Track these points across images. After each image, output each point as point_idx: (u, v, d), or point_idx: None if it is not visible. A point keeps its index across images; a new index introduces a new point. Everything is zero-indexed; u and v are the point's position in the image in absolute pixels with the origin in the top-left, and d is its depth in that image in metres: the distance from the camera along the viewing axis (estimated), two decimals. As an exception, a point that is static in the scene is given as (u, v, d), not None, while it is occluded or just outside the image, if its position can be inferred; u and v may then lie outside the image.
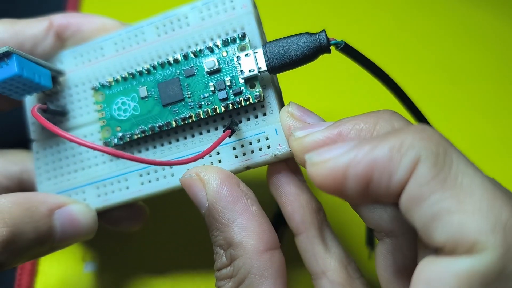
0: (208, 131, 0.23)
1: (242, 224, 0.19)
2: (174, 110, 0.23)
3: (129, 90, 0.23)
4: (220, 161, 0.22)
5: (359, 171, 0.15)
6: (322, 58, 0.21)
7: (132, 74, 0.23)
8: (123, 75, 0.24)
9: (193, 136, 0.23)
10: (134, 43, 0.24)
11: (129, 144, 0.23)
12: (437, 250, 0.15)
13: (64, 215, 0.23)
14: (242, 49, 0.22)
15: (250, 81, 0.22)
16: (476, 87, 0.34)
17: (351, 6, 0.36)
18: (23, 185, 0.26)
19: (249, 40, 0.22)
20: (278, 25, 0.29)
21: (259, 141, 0.22)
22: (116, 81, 0.24)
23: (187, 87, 0.22)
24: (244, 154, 0.22)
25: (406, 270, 0.19)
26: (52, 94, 0.25)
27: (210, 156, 0.22)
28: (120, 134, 0.23)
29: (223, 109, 0.22)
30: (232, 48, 0.22)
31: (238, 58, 0.22)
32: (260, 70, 0.21)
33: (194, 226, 0.28)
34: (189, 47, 0.23)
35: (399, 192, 0.15)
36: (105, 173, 0.24)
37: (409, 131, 0.16)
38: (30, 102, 0.25)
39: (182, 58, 0.23)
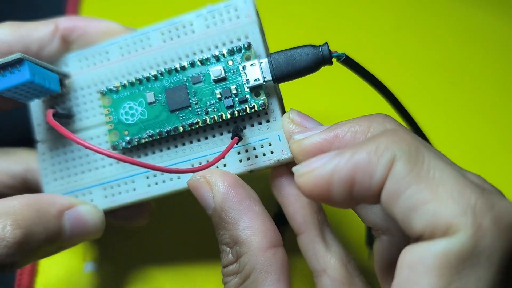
0: (214, 136, 0.24)
1: (247, 223, 0.20)
2: (181, 116, 0.23)
3: (136, 95, 0.24)
4: (225, 165, 0.23)
5: (342, 175, 0.17)
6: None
7: (139, 79, 0.24)
8: (130, 81, 0.24)
9: (199, 140, 0.24)
10: (139, 48, 0.25)
11: (136, 148, 0.24)
12: (418, 239, 0.16)
13: (73, 216, 0.23)
14: (247, 58, 0.23)
15: (255, 89, 0.23)
16: (476, 87, 0.35)
17: (351, 5, 0.37)
18: (27, 184, 0.27)
19: (253, 49, 0.23)
20: (280, 35, 0.30)
21: (262, 146, 0.23)
22: (123, 86, 0.24)
23: (193, 93, 0.23)
24: (248, 158, 0.23)
25: None
26: (58, 96, 0.25)
27: (216, 160, 0.23)
28: (128, 138, 0.24)
29: (229, 116, 0.23)
30: (237, 57, 0.23)
31: (244, 67, 0.23)
32: (265, 80, 0.22)
33: (196, 224, 0.29)
34: (194, 53, 0.24)
35: (380, 191, 0.17)
36: (112, 175, 0.25)
37: (384, 135, 0.17)
38: (35, 104, 0.26)
39: (189, 65, 0.24)
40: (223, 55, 0.23)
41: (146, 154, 0.24)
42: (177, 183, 0.24)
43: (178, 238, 0.30)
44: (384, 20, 0.37)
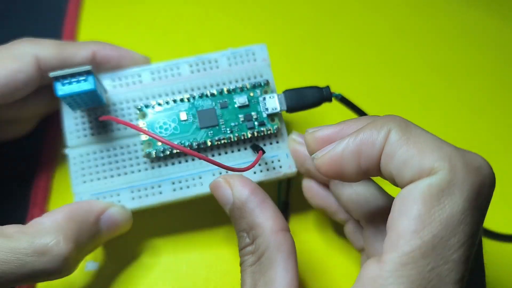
0: (237, 151, 0.29)
1: (261, 211, 0.25)
2: (209, 132, 0.29)
3: (171, 113, 0.29)
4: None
5: (351, 150, 0.22)
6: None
7: (174, 100, 0.29)
8: (166, 100, 0.29)
9: (220, 154, 0.29)
10: (169, 75, 0.30)
11: (170, 156, 0.29)
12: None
13: (106, 219, 0.27)
14: (265, 92, 0.29)
15: (271, 116, 0.29)
16: (474, 87, 0.38)
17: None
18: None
19: (270, 86, 0.30)
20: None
21: (273, 162, 0.29)
22: (159, 104, 0.29)
23: (221, 116, 0.29)
24: (261, 171, 0.29)
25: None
26: (99, 108, 0.29)
27: (235, 171, 0.29)
28: (161, 148, 0.28)
29: (249, 135, 0.29)
30: (258, 90, 0.29)
31: (264, 98, 0.29)
32: (281, 109, 0.29)
33: (196, 227, 0.33)
34: (218, 85, 0.30)
35: (380, 156, 0.22)
36: (141, 179, 0.29)
37: (382, 117, 0.23)
38: (68, 115, 0.29)
39: (218, 93, 0.29)
40: (247, 87, 0.29)
41: (173, 164, 0.29)
42: (199, 188, 0.29)
43: (178, 238, 0.32)
44: (382, 22, 0.41)
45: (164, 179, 0.29)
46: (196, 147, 0.29)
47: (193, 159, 0.29)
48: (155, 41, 0.39)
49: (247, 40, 0.36)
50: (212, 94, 0.29)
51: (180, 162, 0.29)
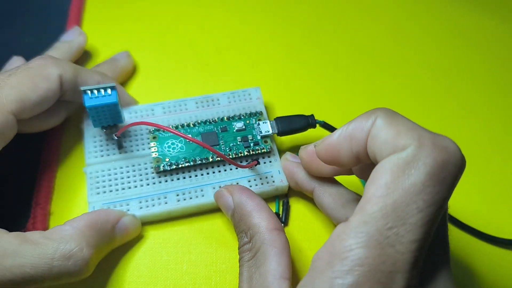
0: (235, 167, 0.33)
1: (257, 213, 0.28)
2: (211, 150, 0.33)
3: (178, 136, 0.34)
4: (239, 188, 0.32)
5: (345, 135, 0.25)
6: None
7: (181, 125, 0.34)
8: (174, 125, 0.34)
9: (219, 172, 0.33)
10: (178, 109, 0.35)
11: (175, 170, 0.32)
12: None
13: (120, 227, 0.30)
14: (259, 119, 0.35)
15: (265, 138, 0.34)
16: (471, 89, 0.39)
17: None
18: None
19: (264, 115, 0.35)
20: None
21: (267, 177, 0.33)
22: (168, 129, 0.34)
23: (221, 137, 0.34)
24: (256, 185, 0.33)
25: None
26: (109, 131, 0.34)
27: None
28: (169, 162, 0.32)
29: (246, 153, 0.33)
30: (253, 118, 0.35)
31: (258, 123, 0.34)
32: (273, 132, 0.34)
33: (197, 230, 0.34)
34: (219, 117, 0.35)
35: (367, 138, 0.23)
36: (149, 191, 0.32)
37: (372, 110, 0.25)
38: (89, 136, 0.34)
39: (219, 120, 0.34)
40: (243, 116, 0.35)
41: (178, 179, 0.33)
42: (201, 199, 0.32)
43: (178, 238, 0.33)
44: (380, 24, 0.43)
45: (169, 191, 0.32)
46: (200, 162, 0.33)
47: (196, 175, 0.33)
48: (155, 41, 0.42)
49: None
50: (214, 121, 0.34)
51: (184, 178, 0.33)
